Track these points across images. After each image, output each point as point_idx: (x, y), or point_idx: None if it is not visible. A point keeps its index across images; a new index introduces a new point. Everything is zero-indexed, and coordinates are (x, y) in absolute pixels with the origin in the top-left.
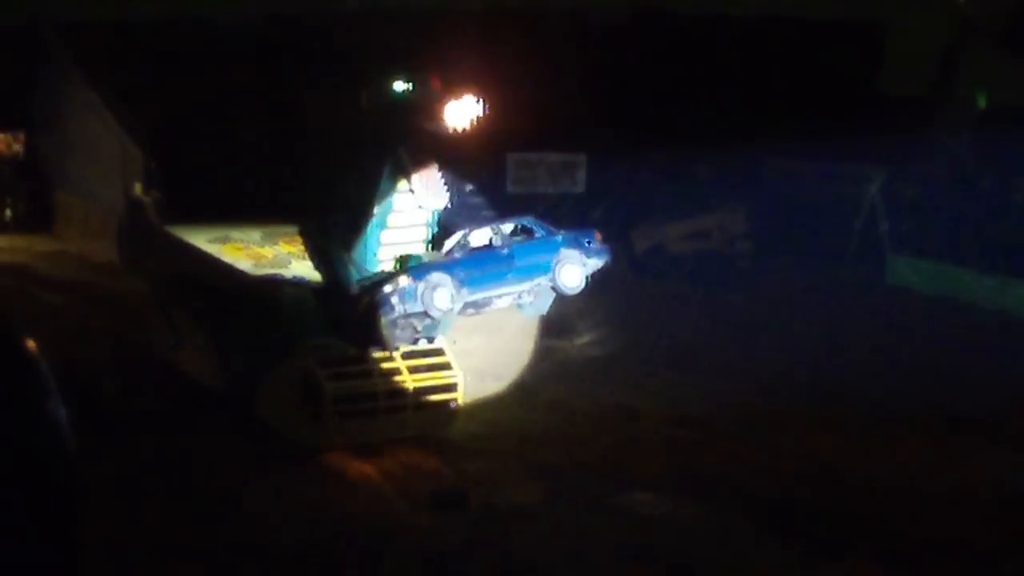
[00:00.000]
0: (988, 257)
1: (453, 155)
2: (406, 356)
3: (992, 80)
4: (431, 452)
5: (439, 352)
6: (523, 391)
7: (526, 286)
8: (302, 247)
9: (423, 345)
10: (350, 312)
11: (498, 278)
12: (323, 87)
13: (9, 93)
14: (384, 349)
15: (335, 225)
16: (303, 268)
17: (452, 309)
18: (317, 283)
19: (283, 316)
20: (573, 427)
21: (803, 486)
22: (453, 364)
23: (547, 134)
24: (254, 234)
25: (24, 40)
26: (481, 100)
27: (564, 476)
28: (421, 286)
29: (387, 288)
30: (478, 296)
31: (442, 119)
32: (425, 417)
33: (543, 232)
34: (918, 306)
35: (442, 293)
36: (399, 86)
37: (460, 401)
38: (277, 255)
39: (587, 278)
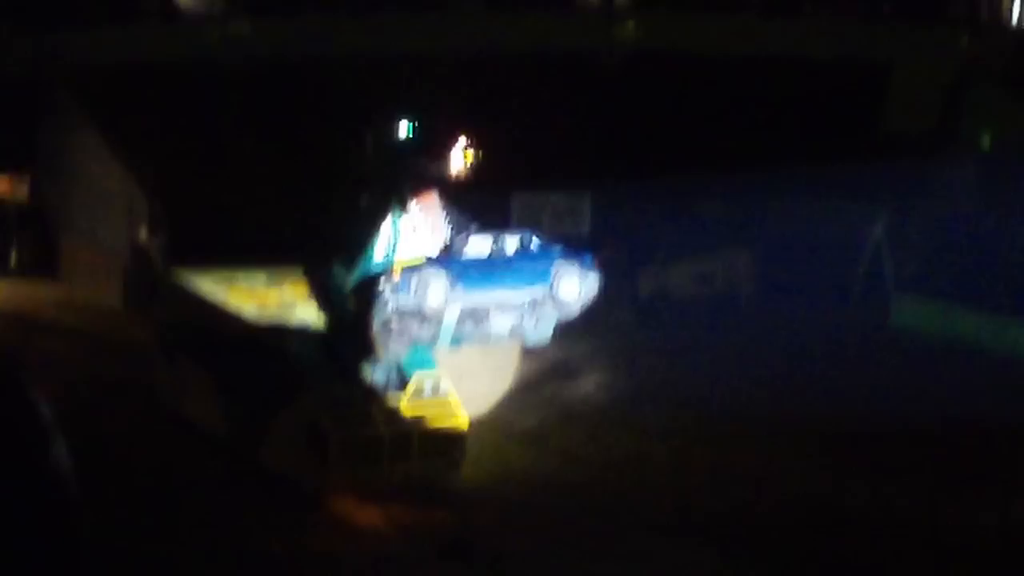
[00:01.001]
0: (993, 297)
1: (458, 196)
2: (412, 403)
3: (995, 119)
4: (437, 499)
5: (445, 399)
6: (529, 437)
7: (524, 294)
8: (307, 291)
9: (429, 392)
10: (344, 313)
11: (494, 281)
12: (329, 130)
13: (15, 137)
14: (379, 357)
15: (340, 267)
16: (308, 312)
17: (446, 306)
18: (322, 328)
19: (288, 362)
20: (579, 472)
21: (810, 530)
22: (458, 410)
23: (552, 175)
24: (259, 277)
25: (30, 85)
26: (483, 142)
27: (570, 523)
28: (414, 280)
29: (381, 282)
30: (474, 299)
31: (446, 161)
32: (431, 463)
33: (541, 245)
34: (922, 347)
35: (436, 288)
36: (403, 129)
37: (465, 447)
38: (282, 299)
39: (586, 295)
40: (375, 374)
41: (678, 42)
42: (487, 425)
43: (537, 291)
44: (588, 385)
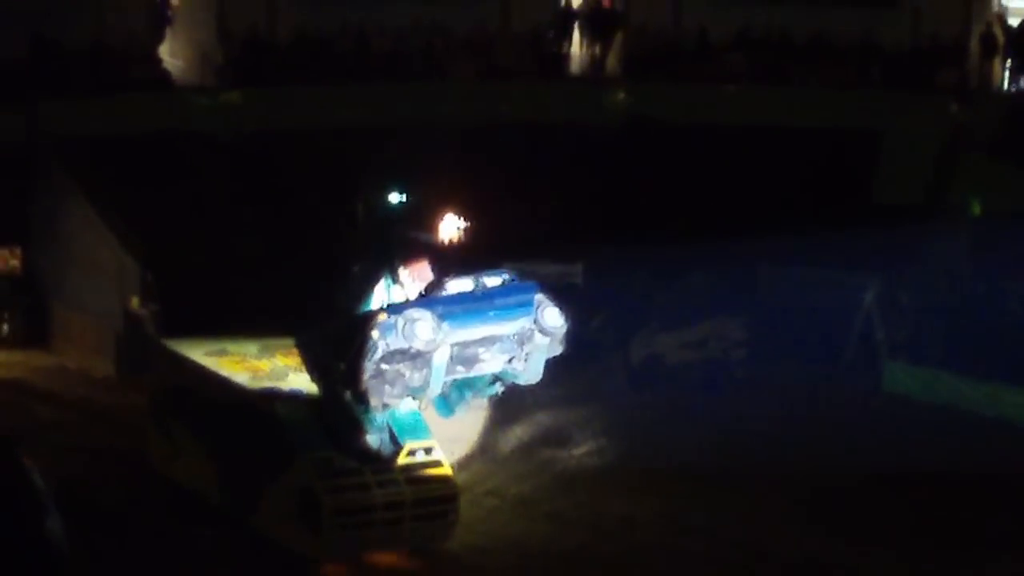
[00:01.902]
0: (985, 364)
1: (448, 266)
2: (404, 468)
3: (986, 186)
4: (430, 565)
5: (437, 463)
6: (522, 502)
7: (510, 328)
8: (299, 360)
9: (421, 457)
10: (338, 357)
11: (479, 316)
12: (319, 200)
13: (6, 208)
14: (374, 405)
15: (331, 337)
16: (300, 381)
17: (435, 346)
18: (314, 396)
19: (280, 429)
20: (572, 538)
21: None
22: (451, 475)
23: (543, 243)
24: (251, 347)
25: (22, 155)
26: (474, 210)
27: None
28: (400, 320)
29: (368, 327)
30: (461, 335)
31: (436, 230)
32: (424, 529)
33: (521, 279)
34: (914, 413)
35: (423, 326)
36: (394, 198)
37: (458, 512)
38: (274, 368)
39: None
40: (368, 439)
41: (668, 111)
42: (480, 490)
43: (522, 322)
44: (581, 451)
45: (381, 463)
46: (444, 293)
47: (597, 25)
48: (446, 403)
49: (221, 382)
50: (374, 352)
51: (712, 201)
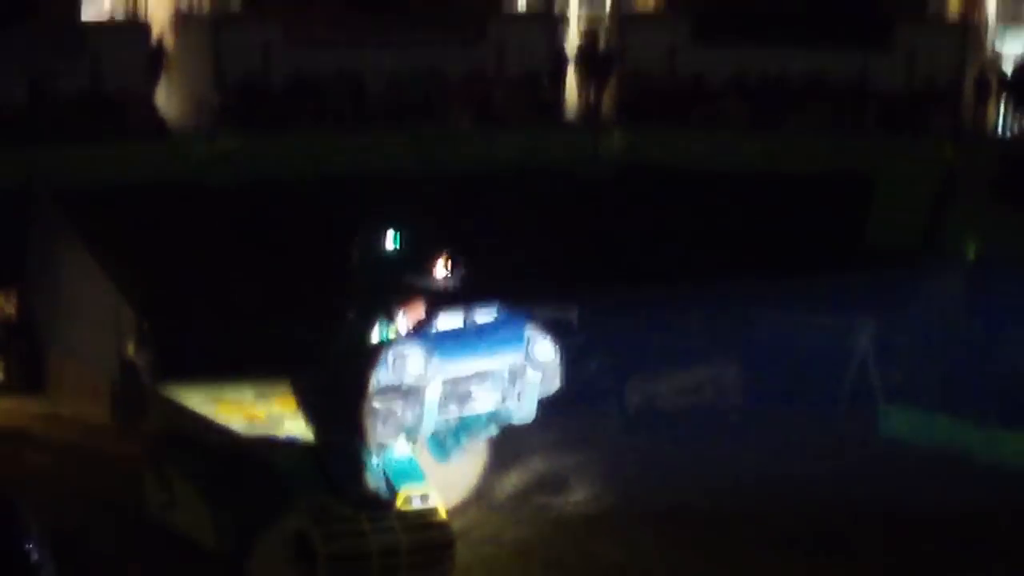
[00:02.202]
0: (981, 408)
1: (444, 308)
2: (400, 514)
3: (980, 230)
4: None
5: (433, 509)
6: (518, 549)
7: (501, 360)
8: (295, 405)
9: (417, 504)
10: (329, 396)
11: (470, 349)
12: (315, 246)
13: (3, 253)
14: (368, 445)
15: (325, 379)
16: (296, 427)
17: (426, 380)
18: (310, 442)
19: (276, 476)
20: None
21: None
22: (447, 521)
23: (538, 288)
24: (247, 393)
25: (17, 200)
26: (470, 254)
27: None
28: (390, 355)
29: (360, 365)
30: (453, 369)
31: (431, 274)
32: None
33: (511, 313)
34: (909, 457)
35: (414, 360)
36: (389, 243)
37: (454, 559)
38: (270, 414)
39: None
40: (364, 485)
41: (663, 156)
42: (476, 536)
43: (514, 356)
44: (577, 496)
45: (377, 509)
46: (434, 328)
47: (591, 68)
48: (441, 447)
49: (217, 428)
50: (366, 390)
51: (707, 245)
